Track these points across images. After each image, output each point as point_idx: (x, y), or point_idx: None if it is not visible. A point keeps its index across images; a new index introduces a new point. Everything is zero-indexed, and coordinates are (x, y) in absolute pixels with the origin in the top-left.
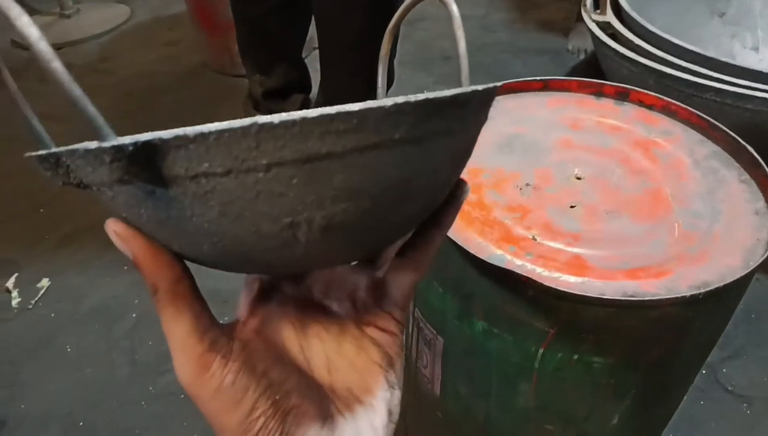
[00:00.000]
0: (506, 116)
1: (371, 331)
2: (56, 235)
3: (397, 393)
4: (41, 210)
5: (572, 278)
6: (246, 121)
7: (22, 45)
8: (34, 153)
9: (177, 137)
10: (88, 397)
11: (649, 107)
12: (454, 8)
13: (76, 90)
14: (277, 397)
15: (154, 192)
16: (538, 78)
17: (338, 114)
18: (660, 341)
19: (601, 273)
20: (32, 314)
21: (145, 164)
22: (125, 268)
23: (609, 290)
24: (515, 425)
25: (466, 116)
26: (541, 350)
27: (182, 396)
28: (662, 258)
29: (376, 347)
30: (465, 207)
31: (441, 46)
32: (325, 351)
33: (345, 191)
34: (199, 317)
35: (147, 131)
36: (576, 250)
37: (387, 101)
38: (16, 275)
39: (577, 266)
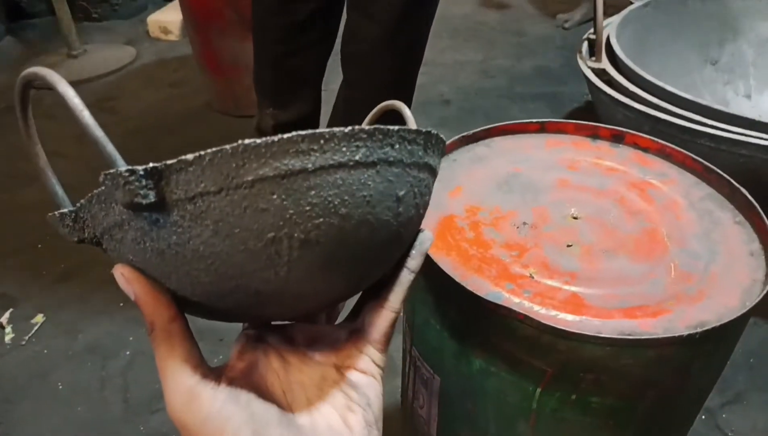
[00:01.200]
0: (504, 156)
1: (351, 373)
2: (53, 271)
3: (375, 433)
4: (39, 246)
5: (570, 317)
6: (234, 143)
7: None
8: (56, 212)
9: (179, 161)
10: (79, 435)
11: (644, 150)
12: (407, 111)
13: (99, 133)
14: (258, 426)
15: (158, 220)
16: (535, 120)
17: (308, 135)
18: (658, 381)
19: (598, 312)
20: (25, 350)
21: (153, 187)
22: (120, 305)
23: (606, 329)
24: None
25: (414, 152)
26: (539, 390)
27: None
28: (659, 298)
29: (355, 389)
30: (462, 244)
31: (440, 91)
32: (306, 395)
33: (317, 208)
34: (191, 354)
35: None
36: (573, 288)
37: (348, 127)
38: (11, 310)
39: (574, 304)
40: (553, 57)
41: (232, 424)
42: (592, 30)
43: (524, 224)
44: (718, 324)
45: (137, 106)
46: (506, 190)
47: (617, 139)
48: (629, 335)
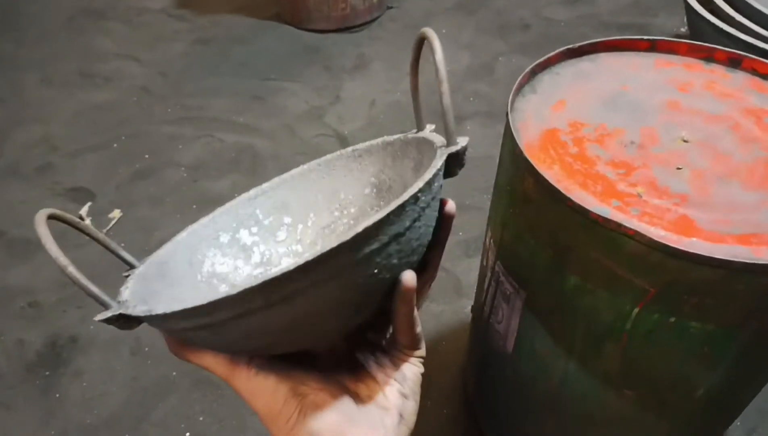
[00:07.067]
0: (610, 73)
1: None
2: (130, 169)
3: (410, 403)
4: (114, 145)
5: (679, 238)
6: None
7: None
8: (109, 314)
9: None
10: None
11: (763, 76)
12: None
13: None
14: (295, 384)
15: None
16: (646, 37)
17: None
18: (765, 311)
19: (710, 236)
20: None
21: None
22: (194, 206)
23: (719, 253)
24: (592, 388)
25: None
26: (636, 310)
27: None
28: None
29: (394, 366)
30: (566, 159)
31: (520, 15)
32: (350, 373)
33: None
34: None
35: (220, 80)
36: (683, 210)
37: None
38: (89, 203)
39: (684, 226)
40: None
41: (271, 382)
42: None
43: (632, 142)
44: None
45: (208, 15)
46: (612, 108)
47: (734, 63)
48: (745, 259)
